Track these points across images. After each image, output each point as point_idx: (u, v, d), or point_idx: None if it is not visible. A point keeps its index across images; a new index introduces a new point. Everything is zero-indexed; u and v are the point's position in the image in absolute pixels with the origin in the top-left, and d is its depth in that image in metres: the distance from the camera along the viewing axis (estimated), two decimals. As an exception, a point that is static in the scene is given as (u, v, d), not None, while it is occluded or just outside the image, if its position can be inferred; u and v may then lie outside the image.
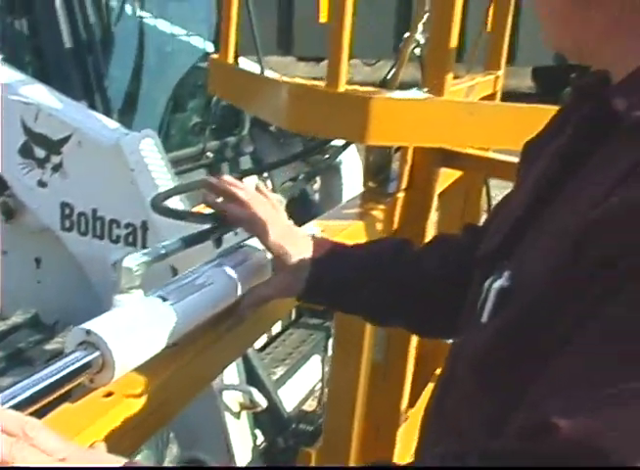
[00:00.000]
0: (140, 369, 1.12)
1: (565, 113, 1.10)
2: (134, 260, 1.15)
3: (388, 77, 2.30)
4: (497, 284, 0.96)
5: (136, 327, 1.09)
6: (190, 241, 1.29)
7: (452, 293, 1.28)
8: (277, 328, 3.76)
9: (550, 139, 1.07)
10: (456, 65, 2.94)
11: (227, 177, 1.37)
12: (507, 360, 0.93)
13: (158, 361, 1.15)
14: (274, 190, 3.76)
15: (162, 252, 1.22)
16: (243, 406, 2.89)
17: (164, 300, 1.15)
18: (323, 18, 3.12)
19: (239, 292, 1.28)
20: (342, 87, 1.62)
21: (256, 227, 1.31)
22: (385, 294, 1.35)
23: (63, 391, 1.00)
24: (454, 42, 2.00)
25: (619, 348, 0.79)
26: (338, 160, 3.72)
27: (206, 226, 1.36)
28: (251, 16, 3.72)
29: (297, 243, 1.33)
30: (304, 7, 12.47)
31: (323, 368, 3.58)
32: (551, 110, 2.09)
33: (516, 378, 0.89)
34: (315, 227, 1.61)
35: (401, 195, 2.10)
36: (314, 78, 1.85)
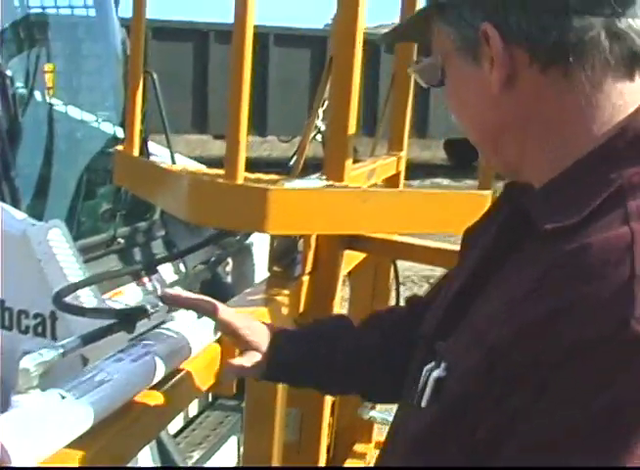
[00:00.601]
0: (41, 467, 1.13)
1: (497, 205, 1.22)
2: (31, 361, 1.17)
3: (291, 163, 2.37)
4: (435, 374, 1.06)
5: (34, 427, 1.11)
6: (88, 339, 1.31)
7: (395, 366, 1.37)
8: (193, 411, 3.74)
9: (487, 227, 1.19)
10: (367, 140, 3.03)
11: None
12: (444, 444, 1.02)
13: (60, 458, 1.16)
14: (187, 273, 3.78)
15: (60, 351, 1.24)
16: (158, 493, 2.86)
17: (63, 397, 1.17)
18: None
19: (138, 387, 1.30)
20: (241, 179, 1.67)
21: (227, 314, 1.44)
22: (339, 365, 1.47)
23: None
24: (352, 129, 2.07)
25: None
26: (249, 241, 3.76)
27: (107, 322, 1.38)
28: (161, 108, 3.79)
29: (260, 328, 1.47)
30: (218, 87, 12.65)
31: (239, 449, 3.57)
32: (444, 194, 2.18)
33: (454, 460, 1.00)
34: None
35: (306, 278, 2.15)
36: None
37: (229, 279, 4.00)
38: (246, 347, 1.43)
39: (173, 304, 1.47)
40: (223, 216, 1.73)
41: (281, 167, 2.60)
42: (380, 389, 1.49)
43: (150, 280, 3.66)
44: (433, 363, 1.08)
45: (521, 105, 1.04)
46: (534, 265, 0.96)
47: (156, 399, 1.39)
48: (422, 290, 8.51)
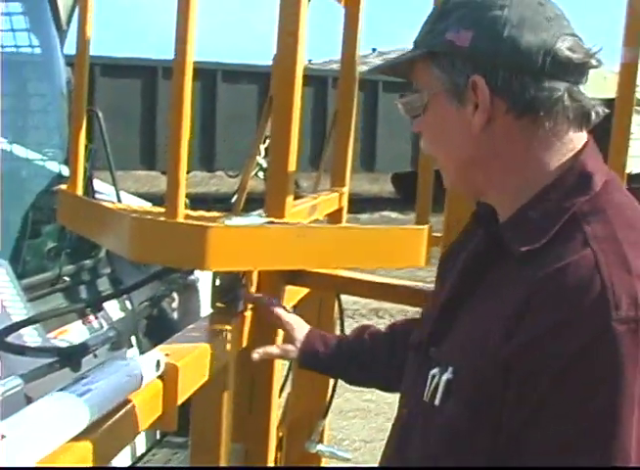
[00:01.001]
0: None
1: (467, 232, 1.46)
2: (-29, 401, 1.18)
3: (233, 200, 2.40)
4: (445, 377, 1.28)
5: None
6: (29, 378, 1.32)
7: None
8: (141, 449, 3.72)
9: (459, 251, 1.43)
10: (314, 174, 3.05)
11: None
12: (467, 433, 1.25)
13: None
14: (133, 310, 3.78)
15: (1, 391, 1.24)
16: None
17: (3, 437, 1.18)
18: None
19: (79, 426, 1.31)
20: (181, 217, 1.69)
21: (279, 310, 2.01)
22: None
23: None
24: (293, 166, 2.10)
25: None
26: (194, 277, 3.77)
27: (48, 360, 1.39)
28: (107, 146, 3.80)
29: (302, 327, 1.97)
30: (166, 123, 12.65)
31: (187, 487, 3.55)
32: (382, 230, 2.22)
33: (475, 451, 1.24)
34: (159, 353, 1.64)
35: (249, 313, 2.16)
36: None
37: (175, 315, 4.00)
38: (286, 338, 1.96)
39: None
40: (165, 254, 1.74)
41: (227, 203, 2.63)
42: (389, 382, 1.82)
43: (96, 318, 3.65)
44: (437, 369, 1.29)
45: (493, 144, 1.27)
46: (515, 285, 1.19)
47: (96, 437, 1.39)
48: (371, 322, 8.54)
